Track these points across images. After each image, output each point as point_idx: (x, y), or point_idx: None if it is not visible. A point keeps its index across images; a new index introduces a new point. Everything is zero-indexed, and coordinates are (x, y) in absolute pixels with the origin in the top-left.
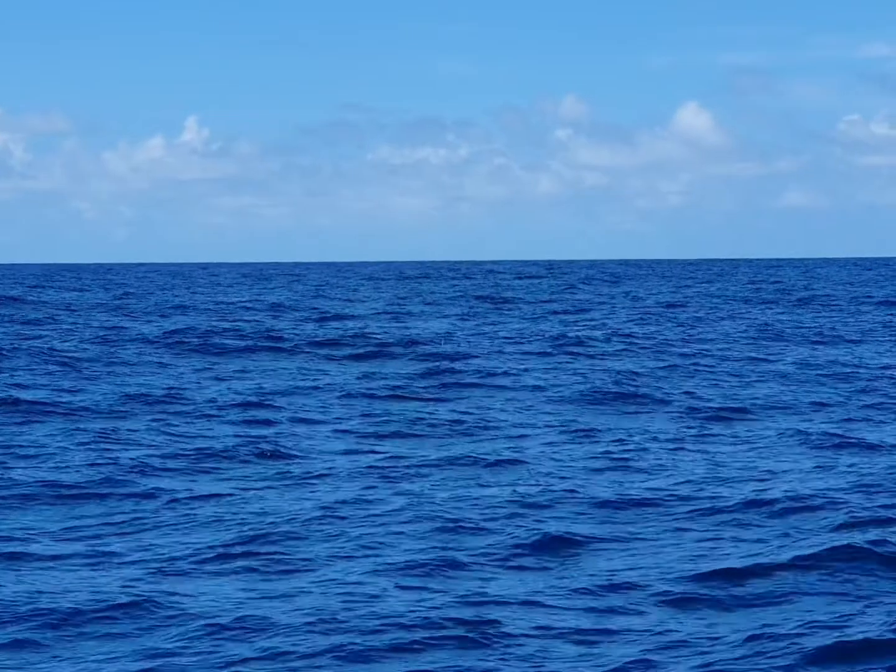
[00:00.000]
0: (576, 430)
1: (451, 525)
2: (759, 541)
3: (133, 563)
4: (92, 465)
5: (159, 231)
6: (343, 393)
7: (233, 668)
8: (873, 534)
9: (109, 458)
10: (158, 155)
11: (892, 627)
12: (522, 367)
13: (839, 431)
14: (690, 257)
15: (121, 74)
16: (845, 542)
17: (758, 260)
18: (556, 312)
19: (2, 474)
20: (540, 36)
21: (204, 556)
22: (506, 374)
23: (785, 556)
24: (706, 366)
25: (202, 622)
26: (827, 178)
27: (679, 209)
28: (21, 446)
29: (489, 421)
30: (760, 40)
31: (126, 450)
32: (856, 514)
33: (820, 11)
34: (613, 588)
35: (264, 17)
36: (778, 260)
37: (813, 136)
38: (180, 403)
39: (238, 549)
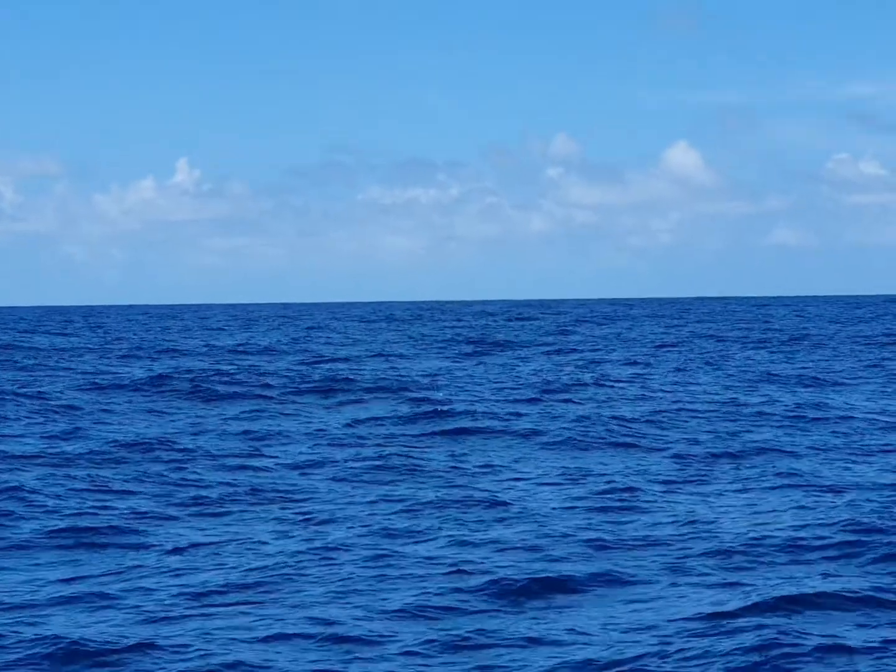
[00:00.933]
0: (570, 474)
1: (449, 568)
2: (751, 583)
3: (133, 607)
4: (87, 513)
5: (151, 273)
6: (336, 437)
7: None
8: (868, 579)
9: (104, 506)
10: (150, 196)
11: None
12: (514, 410)
13: (832, 474)
14: (681, 295)
15: (111, 116)
16: (839, 587)
17: (748, 298)
18: (548, 353)
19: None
20: (528, 75)
21: (203, 601)
22: (498, 418)
23: (775, 594)
24: (698, 410)
25: (200, 664)
26: (815, 216)
27: (670, 247)
28: (17, 492)
29: (482, 464)
30: (747, 79)
31: (122, 498)
32: (848, 557)
33: (803, 51)
34: (612, 628)
35: (254, 58)
36: (768, 298)
37: (801, 175)
38: (174, 451)
39: (234, 594)
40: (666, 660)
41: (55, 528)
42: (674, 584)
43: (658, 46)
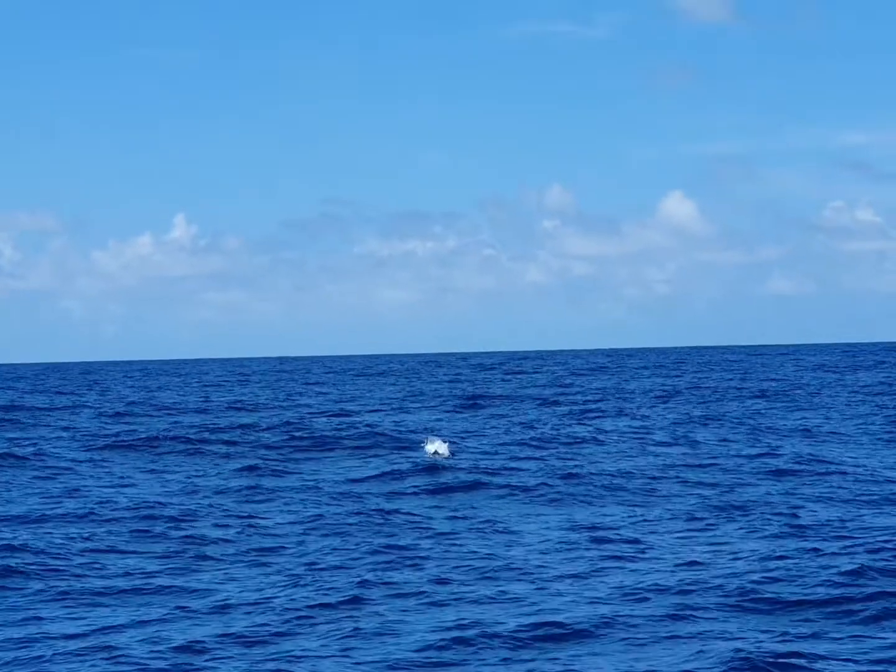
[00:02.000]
0: (575, 527)
1: (452, 622)
2: (759, 630)
3: (147, 656)
4: (88, 574)
5: (148, 328)
6: (333, 493)
7: None
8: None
9: (106, 565)
10: (147, 252)
11: None
12: (514, 465)
13: (833, 522)
14: (679, 345)
15: (108, 173)
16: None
17: (745, 347)
18: (546, 405)
19: (9, 579)
20: (523, 128)
21: (210, 647)
22: (499, 473)
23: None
24: (700, 465)
25: None
26: (811, 264)
27: (666, 297)
28: (19, 552)
29: (484, 519)
30: (741, 130)
31: (123, 557)
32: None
33: (797, 101)
34: None
35: (247, 113)
36: (765, 346)
37: (796, 224)
38: (172, 508)
39: (242, 646)
40: None
41: (57, 588)
42: (673, 634)
43: (653, 100)
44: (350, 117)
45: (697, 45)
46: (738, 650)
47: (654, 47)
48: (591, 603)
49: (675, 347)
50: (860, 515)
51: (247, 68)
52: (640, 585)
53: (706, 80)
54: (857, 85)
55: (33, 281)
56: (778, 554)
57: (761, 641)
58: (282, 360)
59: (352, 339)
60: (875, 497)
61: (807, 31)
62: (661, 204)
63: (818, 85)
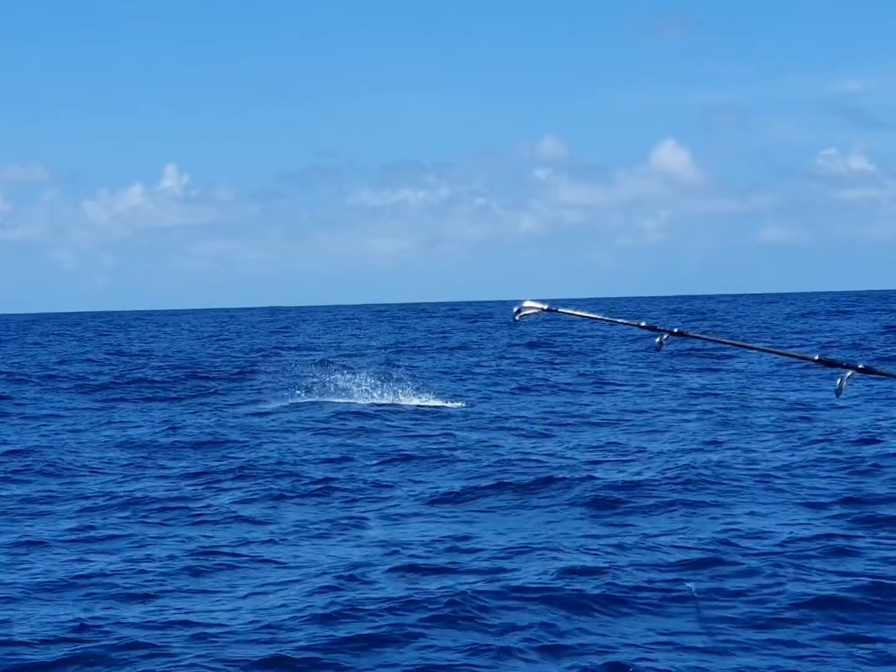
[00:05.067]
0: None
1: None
2: None
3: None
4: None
5: (140, 278)
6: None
7: None
8: None
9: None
10: (138, 202)
11: None
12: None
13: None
14: (672, 294)
15: (99, 123)
16: None
17: (741, 295)
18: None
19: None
20: (515, 77)
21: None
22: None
23: None
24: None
25: None
26: (805, 212)
27: (659, 246)
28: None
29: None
30: (732, 78)
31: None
32: None
33: (789, 50)
34: None
35: (240, 65)
36: (761, 295)
37: (789, 172)
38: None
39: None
40: None
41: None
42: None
43: (646, 50)
44: (342, 69)
45: None
46: None
47: None
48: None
49: (671, 296)
50: None
51: (239, 19)
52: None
53: (700, 28)
54: (852, 31)
55: (24, 231)
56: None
57: None
58: (274, 309)
59: (348, 288)
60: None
61: None
62: (654, 153)
63: (813, 32)
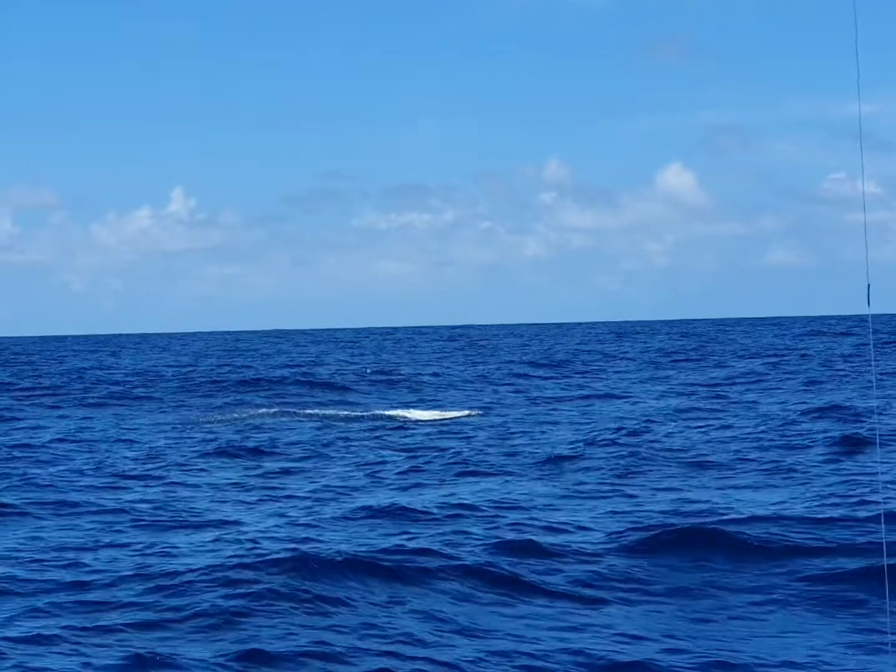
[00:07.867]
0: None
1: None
2: None
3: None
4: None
5: (147, 302)
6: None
7: None
8: None
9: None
10: (145, 226)
11: None
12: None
13: None
14: (678, 317)
15: (107, 147)
16: None
17: (749, 319)
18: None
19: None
20: (519, 101)
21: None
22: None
23: None
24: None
25: None
26: (813, 236)
27: (665, 270)
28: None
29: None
30: (737, 100)
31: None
32: None
33: (794, 73)
34: None
35: (245, 87)
36: (765, 319)
37: (795, 194)
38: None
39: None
40: None
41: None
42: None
43: (649, 73)
44: (347, 91)
45: (696, 16)
46: None
47: (652, 18)
48: None
49: (677, 320)
50: None
51: (245, 43)
52: None
53: (704, 50)
54: (862, 56)
55: (33, 255)
56: None
57: None
58: (280, 333)
59: (352, 311)
60: None
61: None
62: (659, 176)
63: (820, 54)
